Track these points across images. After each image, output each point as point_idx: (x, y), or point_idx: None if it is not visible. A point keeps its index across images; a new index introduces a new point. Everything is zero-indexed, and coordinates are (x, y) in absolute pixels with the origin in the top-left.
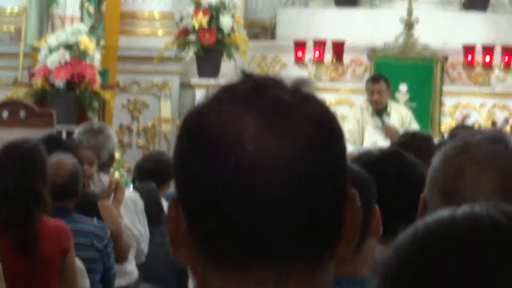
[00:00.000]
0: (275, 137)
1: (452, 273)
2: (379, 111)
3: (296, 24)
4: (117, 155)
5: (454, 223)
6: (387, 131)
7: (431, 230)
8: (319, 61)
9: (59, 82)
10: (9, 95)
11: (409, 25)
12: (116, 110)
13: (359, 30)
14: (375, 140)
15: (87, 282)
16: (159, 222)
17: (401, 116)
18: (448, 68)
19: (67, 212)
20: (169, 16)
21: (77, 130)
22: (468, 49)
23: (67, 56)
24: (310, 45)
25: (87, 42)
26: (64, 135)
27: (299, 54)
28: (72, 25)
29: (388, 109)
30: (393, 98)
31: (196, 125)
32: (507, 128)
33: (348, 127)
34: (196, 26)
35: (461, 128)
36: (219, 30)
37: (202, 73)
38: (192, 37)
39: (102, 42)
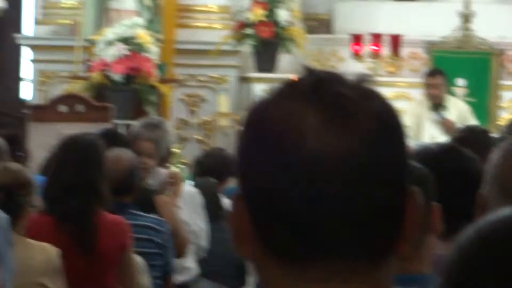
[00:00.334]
0: (336, 132)
1: None
2: (437, 105)
3: (353, 17)
4: (175, 149)
5: None
6: (445, 125)
7: (494, 230)
8: (376, 54)
9: (117, 76)
10: (66, 89)
11: (466, 18)
12: (173, 104)
13: (416, 24)
14: (433, 135)
15: (147, 278)
16: (218, 218)
17: (459, 111)
18: (505, 62)
19: (125, 207)
20: (226, 9)
21: (136, 124)
22: None
23: (124, 49)
24: (367, 38)
25: (144, 36)
26: (123, 129)
27: (356, 47)
28: (129, 18)
29: (446, 103)
30: (450, 92)
31: (258, 120)
32: None
33: (406, 122)
34: (253, 20)
35: None
36: (276, 23)
37: (259, 67)
38: (249, 31)
39: (159, 36)
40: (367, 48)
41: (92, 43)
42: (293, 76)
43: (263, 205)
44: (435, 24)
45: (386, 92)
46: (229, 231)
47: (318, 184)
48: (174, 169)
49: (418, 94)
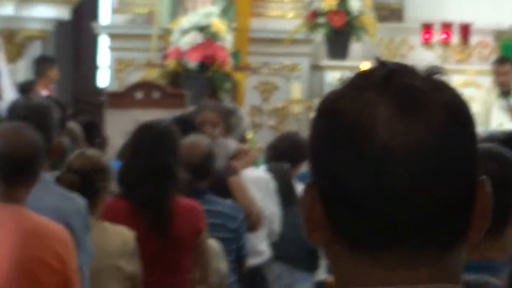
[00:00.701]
0: (408, 123)
1: None
2: (506, 92)
3: (424, 6)
4: (249, 135)
5: None
6: None
7: None
8: (446, 43)
9: (192, 63)
10: (142, 76)
11: None
12: (247, 91)
13: (486, 12)
14: (501, 121)
15: (223, 263)
16: (291, 203)
17: None
18: None
19: (200, 193)
20: None
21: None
22: None
23: (199, 38)
24: (437, 27)
25: (219, 25)
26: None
27: (427, 36)
28: (204, 7)
29: None
30: None
31: (330, 111)
32: None
33: (474, 109)
34: (326, 9)
35: None
36: (348, 12)
37: (331, 55)
38: (321, 20)
39: (234, 25)
40: (437, 36)
41: (168, 31)
42: (364, 65)
43: (334, 193)
44: (504, 12)
45: (455, 79)
46: (301, 218)
47: (389, 174)
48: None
49: (487, 81)
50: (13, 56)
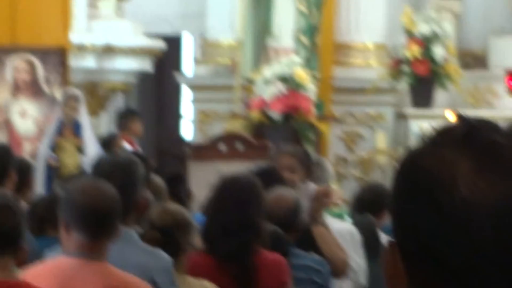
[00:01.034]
0: (489, 180)
1: None
2: None
3: (509, 52)
4: (333, 186)
5: None
6: None
7: None
8: None
9: (275, 114)
10: (226, 128)
11: None
12: (331, 141)
13: None
14: None
15: None
16: (376, 255)
17: None
18: None
19: (285, 246)
20: (382, 47)
21: None
22: None
23: (283, 88)
24: None
25: (302, 74)
26: None
27: (511, 83)
28: (287, 57)
29: None
30: None
31: (411, 168)
32: None
33: None
34: (410, 57)
35: None
36: (432, 60)
37: (415, 103)
38: (405, 68)
39: (317, 74)
40: None
41: (251, 82)
42: (448, 113)
43: (416, 250)
44: None
45: None
46: (383, 276)
47: (471, 231)
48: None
49: None
50: (96, 109)
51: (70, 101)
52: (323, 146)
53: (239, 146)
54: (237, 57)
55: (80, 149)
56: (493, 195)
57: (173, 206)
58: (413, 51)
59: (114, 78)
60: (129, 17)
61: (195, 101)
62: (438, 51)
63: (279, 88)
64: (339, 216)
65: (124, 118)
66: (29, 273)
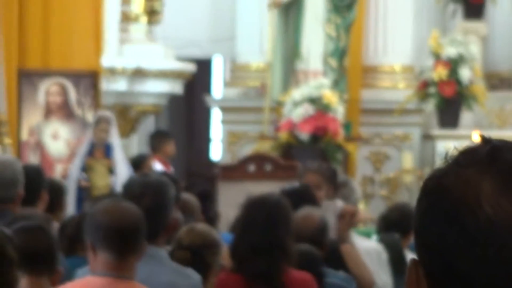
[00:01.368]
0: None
1: None
2: None
3: None
4: (360, 206)
5: None
6: None
7: None
8: None
9: (304, 135)
10: (255, 149)
11: None
12: (359, 161)
13: None
14: None
15: None
16: (402, 274)
17: None
18: None
19: (313, 265)
20: (409, 69)
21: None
22: None
23: (311, 110)
24: None
25: (330, 96)
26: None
27: None
28: (316, 79)
29: None
30: None
31: (435, 188)
32: None
33: None
34: (436, 79)
35: None
36: (459, 82)
37: (442, 124)
38: (432, 89)
39: (345, 96)
40: None
41: (280, 104)
42: (475, 134)
43: (440, 270)
44: None
45: None
46: None
47: (494, 250)
48: (360, 226)
49: None
50: (127, 131)
51: (101, 123)
52: (350, 166)
53: (268, 167)
54: (266, 79)
55: (111, 170)
56: None
57: (201, 226)
58: (440, 73)
59: (145, 100)
60: (160, 41)
61: (224, 122)
62: (465, 73)
63: (308, 109)
64: (366, 235)
65: (157, 139)
66: None
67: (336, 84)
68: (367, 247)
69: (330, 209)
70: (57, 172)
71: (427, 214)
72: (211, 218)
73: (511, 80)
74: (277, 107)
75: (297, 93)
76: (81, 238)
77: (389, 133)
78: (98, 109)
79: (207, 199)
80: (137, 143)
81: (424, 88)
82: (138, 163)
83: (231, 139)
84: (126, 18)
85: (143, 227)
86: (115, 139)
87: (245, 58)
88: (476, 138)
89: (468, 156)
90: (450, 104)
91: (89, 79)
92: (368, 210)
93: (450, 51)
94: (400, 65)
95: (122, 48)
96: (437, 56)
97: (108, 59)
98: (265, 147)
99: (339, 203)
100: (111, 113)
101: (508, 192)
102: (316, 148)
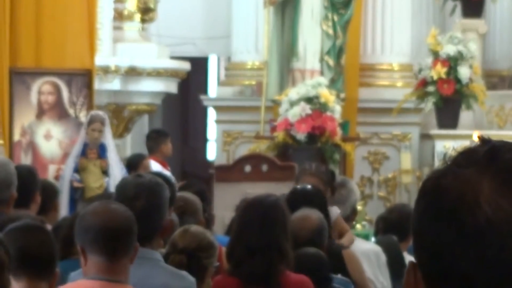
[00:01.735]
0: (510, 198)
1: None
2: None
3: None
4: (358, 207)
5: None
6: None
7: None
8: None
9: (300, 135)
10: (251, 149)
11: None
12: (356, 162)
13: None
14: None
15: None
16: (401, 276)
17: None
18: None
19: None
20: (408, 67)
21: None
22: None
23: (308, 109)
24: None
25: (327, 95)
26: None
27: None
28: (312, 78)
29: None
30: None
31: (433, 188)
32: None
33: None
34: (435, 77)
35: None
36: (458, 80)
37: (441, 124)
38: (431, 88)
39: (342, 95)
40: None
41: (276, 103)
42: (475, 134)
43: (438, 271)
44: None
45: None
46: None
47: (494, 249)
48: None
49: None
50: (120, 131)
51: (94, 123)
52: (348, 166)
53: (264, 167)
54: (262, 78)
55: (104, 171)
56: None
57: (195, 228)
58: (439, 71)
59: (139, 100)
60: (154, 39)
61: (219, 121)
62: (464, 72)
63: (305, 108)
64: (365, 237)
65: (154, 139)
66: None
67: (333, 83)
68: (366, 249)
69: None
70: (49, 173)
71: (426, 215)
72: (206, 220)
73: (511, 78)
74: (273, 106)
75: (293, 92)
76: (74, 240)
77: (387, 132)
78: (91, 108)
79: (204, 199)
80: (131, 143)
81: (422, 86)
82: (134, 163)
83: (226, 139)
84: (120, 16)
85: (133, 229)
86: (108, 139)
87: (241, 57)
88: (475, 138)
89: (467, 156)
90: (449, 103)
91: (82, 78)
92: (366, 211)
93: (449, 49)
94: (398, 63)
95: (115, 46)
96: (435, 54)
97: (102, 57)
98: (261, 147)
99: (335, 209)
100: (104, 113)
101: (507, 192)
102: (313, 148)
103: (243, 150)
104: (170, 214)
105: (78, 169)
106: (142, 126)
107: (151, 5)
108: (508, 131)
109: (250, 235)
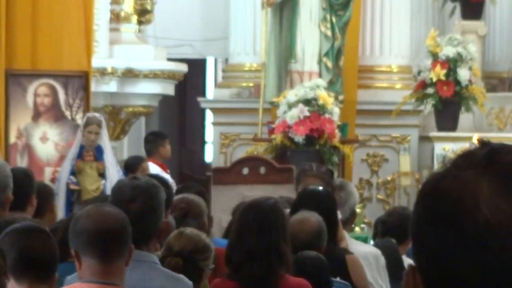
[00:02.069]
0: (510, 200)
1: None
2: None
3: None
4: (357, 209)
5: None
6: None
7: None
8: None
9: (298, 137)
10: (249, 151)
11: None
12: (355, 164)
13: None
14: None
15: None
16: (400, 279)
17: None
18: None
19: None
20: (406, 69)
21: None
22: None
23: (306, 111)
24: None
25: (325, 97)
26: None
27: None
28: (311, 80)
29: None
30: None
31: (433, 191)
32: None
33: None
34: (434, 79)
35: None
36: (457, 82)
37: (440, 126)
38: (430, 90)
39: (341, 97)
40: None
41: (274, 105)
42: (475, 137)
43: (438, 274)
44: None
45: None
46: None
47: (493, 252)
48: (356, 230)
49: None
50: (117, 133)
51: (91, 126)
52: (347, 169)
53: (262, 170)
54: (260, 81)
55: (101, 173)
56: None
57: (190, 230)
58: (438, 73)
59: (136, 102)
60: (151, 41)
61: (216, 123)
62: (463, 73)
63: (303, 110)
64: (364, 240)
65: (152, 141)
66: None
67: (331, 85)
68: (365, 252)
69: None
70: (46, 175)
71: (425, 217)
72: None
73: (510, 80)
74: (271, 108)
75: (291, 94)
76: None
77: (387, 135)
78: (88, 110)
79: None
80: (128, 146)
81: (422, 88)
82: (132, 166)
83: (224, 141)
84: (116, 18)
85: (127, 231)
86: (105, 141)
87: (238, 59)
88: (475, 140)
89: (466, 158)
90: (449, 105)
91: (79, 80)
92: (365, 214)
93: (448, 51)
94: (397, 65)
95: (112, 48)
96: (435, 56)
97: (98, 59)
98: (259, 149)
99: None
100: (101, 115)
101: (507, 194)
102: (311, 150)
103: (241, 152)
104: (167, 216)
105: (74, 172)
106: (139, 128)
107: (148, 7)
108: (508, 133)
109: (249, 239)
